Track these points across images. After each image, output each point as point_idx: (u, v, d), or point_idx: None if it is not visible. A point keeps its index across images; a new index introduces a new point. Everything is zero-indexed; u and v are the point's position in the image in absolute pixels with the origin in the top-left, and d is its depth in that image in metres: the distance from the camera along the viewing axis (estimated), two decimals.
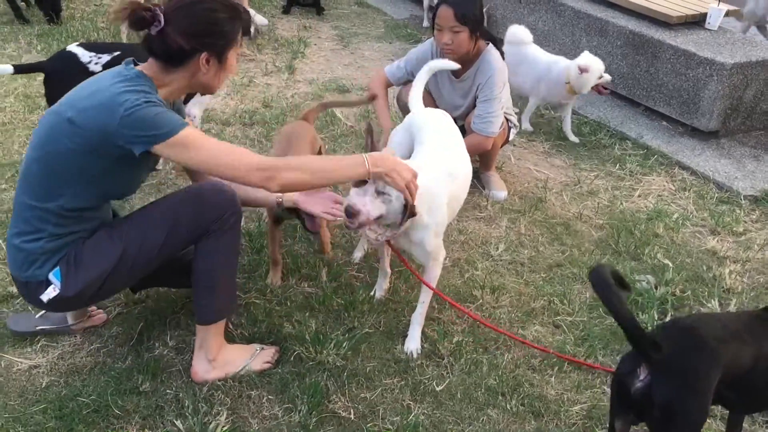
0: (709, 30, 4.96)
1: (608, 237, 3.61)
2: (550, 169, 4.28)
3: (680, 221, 3.79)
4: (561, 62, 4.49)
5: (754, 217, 3.93)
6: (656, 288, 3.21)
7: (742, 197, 4.06)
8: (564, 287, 3.18)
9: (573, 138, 4.62)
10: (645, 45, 4.86)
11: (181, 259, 2.40)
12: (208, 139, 2.16)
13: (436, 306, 2.93)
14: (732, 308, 3.12)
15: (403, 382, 2.55)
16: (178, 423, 2.29)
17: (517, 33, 4.66)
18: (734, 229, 3.77)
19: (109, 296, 2.53)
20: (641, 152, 4.51)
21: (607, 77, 4.35)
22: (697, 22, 5.01)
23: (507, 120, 3.89)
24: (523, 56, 4.62)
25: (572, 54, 5.03)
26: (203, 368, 2.44)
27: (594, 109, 5.04)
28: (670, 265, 3.39)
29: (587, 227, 3.70)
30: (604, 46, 5.13)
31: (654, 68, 4.82)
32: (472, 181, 4.00)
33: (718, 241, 3.66)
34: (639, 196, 4.05)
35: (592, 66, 4.30)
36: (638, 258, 3.46)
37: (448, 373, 2.62)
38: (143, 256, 2.25)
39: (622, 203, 3.95)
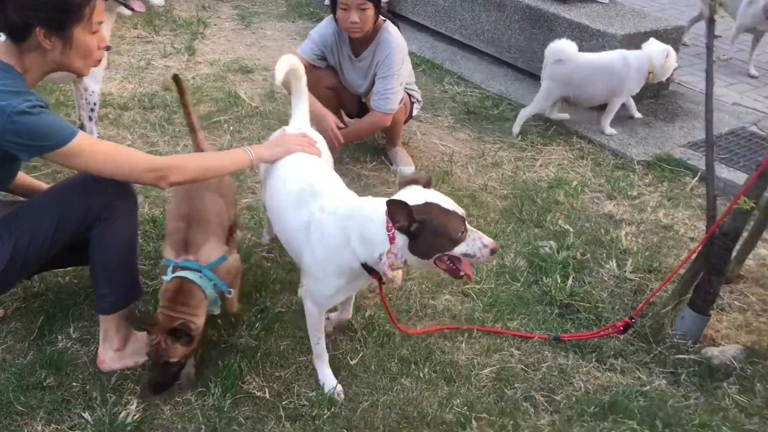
0: (601, 3, 5.14)
1: (512, 206, 3.72)
2: (455, 143, 4.36)
3: (579, 188, 3.95)
4: (632, 56, 4.37)
5: (647, 181, 4.13)
6: (558, 252, 3.33)
7: (635, 162, 4.26)
8: None
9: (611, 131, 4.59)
10: (541, 19, 5.00)
11: (78, 237, 2.31)
12: (99, 143, 2.19)
13: None
14: (628, 268, 3.28)
15: None
16: (86, 415, 2.23)
17: (565, 48, 4.31)
18: (629, 193, 3.96)
19: (6, 291, 2.41)
20: (541, 124, 4.65)
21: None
22: None
23: (409, 96, 3.93)
24: (582, 66, 4.37)
25: (472, 29, 5.14)
26: (110, 357, 2.38)
27: (495, 83, 5.16)
28: (571, 230, 3.53)
29: (492, 198, 3.80)
30: (503, 21, 5.25)
31: (550, 41, 4.96)
32: (380, 157, 4.09)
33: (614, 205, 3.83)
34: (540, 165, 4.19)
35: (673, 52, 4.39)
36: (541, 225, 3.58)
37: (361, 346, 2.65)
38: (35, 248, 2.17)
39: (524, 173, 4.07)
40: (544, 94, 4.44)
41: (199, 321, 2.28)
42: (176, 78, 2.74)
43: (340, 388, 2.43)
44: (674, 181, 4.13)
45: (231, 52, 5.36)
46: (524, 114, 4.50)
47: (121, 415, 2.23)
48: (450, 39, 5.76)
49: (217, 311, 2.40)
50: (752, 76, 5.77)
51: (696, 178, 4.10)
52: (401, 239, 2.09)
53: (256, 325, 2.64)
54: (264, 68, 5.06)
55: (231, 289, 2.43)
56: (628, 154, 4.34)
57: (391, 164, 4.00)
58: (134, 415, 2.23)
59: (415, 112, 4.07)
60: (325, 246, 2.23)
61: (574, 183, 3.99)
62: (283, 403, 2.36)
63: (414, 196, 2.12)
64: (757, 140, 4.62)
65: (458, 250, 2.10)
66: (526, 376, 2.60)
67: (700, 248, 2.81)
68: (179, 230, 2.38)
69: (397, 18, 3.76)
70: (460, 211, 2.13)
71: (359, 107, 3.97)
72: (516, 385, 2.54)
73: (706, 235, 2.76)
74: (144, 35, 5.50)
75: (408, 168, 3.94)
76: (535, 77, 5.20)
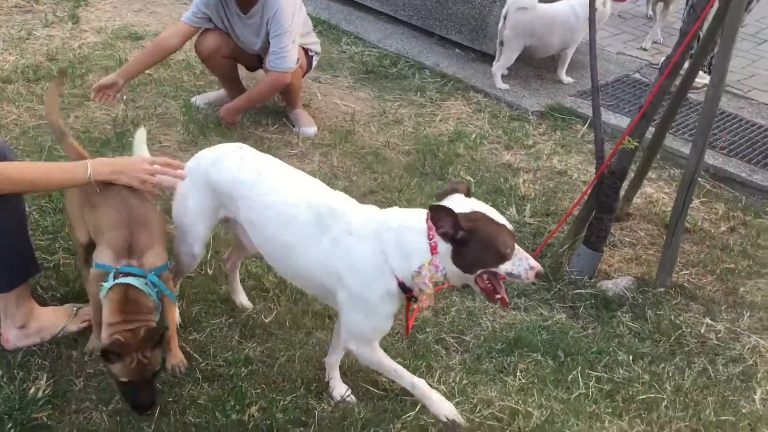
0: None
1: (415, 161, 3.80)
2: (356, 102, 4.39)
3: (478, 140, 4.07)
4: (578, 5, 4.47)
5: (541, 130, 4.30)
6: None
7: (530, 113, 4.43)
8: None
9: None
10: None
11: None
12: None
13: None
14: (527, 213, 3.43)
15: (231, 320, 2.57)
16: None
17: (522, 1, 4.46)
18: (525, 142, 4.11)
19: None
20: (439, 80, 4.74)
21: None
22: None
23: (306, 51, 3.90)
24: (542, 15, 4.50)
25: None
26: (14, 335, 2.30)
27: (392, 41, 5.19)
28: (472, 180, 3.65)
29: (395, 154, 3.86)
30: None
31: None
32: (282, 120, 4.07)
33: (512, 154, 3.98)
34: (440, 120, 4.28)
35: None
36: (443, 177, 3.68)
37: (275, 305, 2.67)
38: None
39: (425, 129, 4.15)
40: (510, 45, 4.55)
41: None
42: (61, 72, 2.61)
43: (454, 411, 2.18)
44: (566, 129, 4.32)
45: (118, 19, 5.14)
46: (496, 69, 4.65)
47: (31, 391, 2.17)
48: None
49: (156, 318, 2.18)
50: (648, 17, 6.12)
51: (586, 126, 4.30)
52: (444, 248, 1.89)
53: None
54: (155, 34, 4.89)
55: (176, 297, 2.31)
56: (523, 105, 4.50)
57: (293, 126, 3.99)
58: (45, 390, 2.18)
59: (314, 64, 4.06)
60: (362, 272, 1.98)
61: (473, 135, 4.10)
62: (201, 365, 2.36)
63: (458, 204, 1.93)
64: (641, 86, 4.87)
65: (503, 268, 1.92)
66: (436, 321, 2.70)
67: (591, 189, 2.98)
68: (121, 236, 2.14)
69: None
70: (509, 225, 1.95)
71: (261, 66, 3.93)
72: (427, 330, 2.64)
73: (596, 175, 2.93)
74: (23, 4, 5.19)
75: (310, 129, 3.94)
76: (430, 34, 5.29)
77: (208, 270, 2.80)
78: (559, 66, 4.79)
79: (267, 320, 2.59)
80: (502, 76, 4.69)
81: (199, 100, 4.06)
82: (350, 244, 1.99)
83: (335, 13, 5.55)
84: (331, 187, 2.18)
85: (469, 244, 1.88)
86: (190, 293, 2.66)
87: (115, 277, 2.08)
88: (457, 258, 1.90)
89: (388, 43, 5.17)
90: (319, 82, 4.52)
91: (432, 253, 1.90)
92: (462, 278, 1.96)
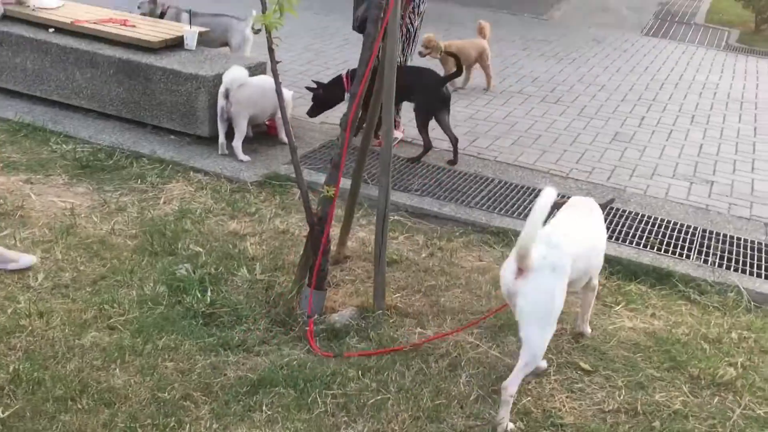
0: (189, 50, 5.60)
1: (143, 242, 3.92)
2: (75, 197, 4.39)
3: (203, 215, 4.30)
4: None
5: (261, 197, 4.66)
6: (194, 272, 3.64)
7: (249, 184, 4.77)
8: (112, 294, 3.40)
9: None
10: (136, 70, 5.27)
11: None
12: None
13: None
14: (258, 271, 3.72)
15: None
16: None
17: (241, 74, 4.99)
18: (248, 210, 4.44)
19: None
20: (158, 165, 4.91)
21: None
22: (177, 44, 5.61)
23: None
24: (257, 87, 5.10)
25: (70, 89, 5.19)
26: None
27: (105, 135, 5.26)
28: (202, 251, 3.87)
29: (122, 239, 3.95)
30: (99, 76, 5.39)
31: (150, 89, 5.27)
32: None
33: (237, 222, 4.27)
34: (164, 202, 4.44)
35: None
36: (174, 253, 3.84)
37: (11, 400, 2.63)
38: None
39: (150, 212, 4.29)
40: (239, 118, 5.03)
41: None
42: None
43: None
44: (284, 193, 4.73)
45: None
46: (237, 144, 5.07)
47: None
48: (49, 100, 5.70)
49: None
50: None
51: (297, 182, 4.74)
52: None
53: None
54: None
55: None
56: (242, 178, 4.84)
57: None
58: None
59: None
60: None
61: (198, 211, 4.33)
62: None
63: None
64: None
65: None
66: (182, 379, 2.85)
67: (307, 236, 3.37)
68: None
69: None
70: None
71: None
72: (175, 388, 2.78)
73: (308, 220, 3.33)
74: None
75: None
76: (143, 125, 5.45)
77: None
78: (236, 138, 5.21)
79: (5, 415, 2.54)
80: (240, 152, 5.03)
81: None
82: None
83: (39, 115, 5.49)
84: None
85: None
86: None
87: None
88: None
89: (101, 138, 5.23)
90: (31, 182, 4.46)
91: None
92: None
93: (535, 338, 2.73)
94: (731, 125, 6.76)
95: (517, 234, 4.24)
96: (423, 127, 5.30)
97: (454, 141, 5.34)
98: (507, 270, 2.79)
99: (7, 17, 5.76)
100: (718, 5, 13.46)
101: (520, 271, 2.70)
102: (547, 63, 8.51)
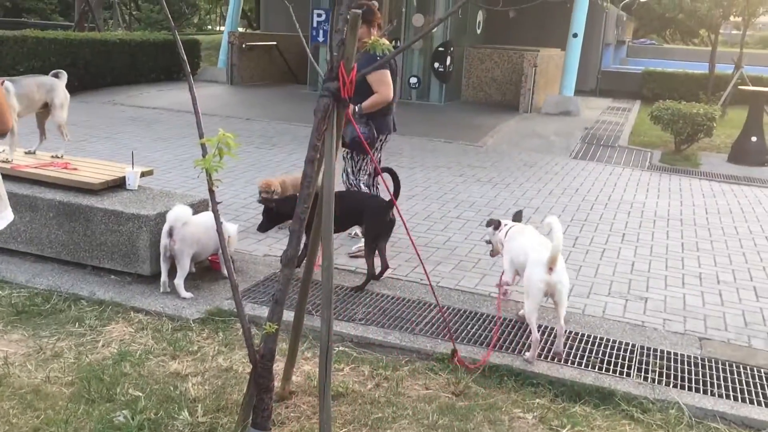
0: (130, 190, 5.67)
1: (80, 389, 3.80)
2: (8, 345, 4.27)
3: (143, 356, 4.22)
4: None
5: (204, 335, 4.61)
6: (133, 419, 3.53)
7: (191, 321, 4.73)
8: None
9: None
10: (77, 212, 5.29)
11: None
12: None
13: None
14: (200, 413, 3.62)
15: None
16: None
17: (184, 213, 5.05)
18: (190, 349, 4.37)
19: None
20: (97, 307, 4.84)
21: None
22: (119, 185, 5.68)
23: None
24: (201, 224, 5.15)
25: (8, 233, 5.14)
26: None
27: (43, 279, 5.19)
28: (141, 395, 3.76)
29: (58, 387, 3.82)
30: (38, 219, 5.38)
31: (90, 231, 5.27)
32: None
33: (178, 362, 4.19)
34: (103, 345, 4.35)
35: None
36: (112, 399, 3.73)
37: None
38: None
39: (88, 356, 4.19)
40: (182, 256, 5.03)
41: None
42: None
43: None
44: (228, 329, 4.69)
45: None
46: (179, 281, 5.06)
47: None
48: None
49: None
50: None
51: (239, 319, 4.71)
52: None
53: None
54: None
55: None
56: (184, 315, 4.80)
57: None
58: None
59: None
60: None
61: (138, 353, 4.25)
62: None
63: None
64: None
65: None
66: None
67: (251, 374, 3.33)
68: None
69: None
70: None
71: None
72: None
73: (250, 358, 3.30)
74: None
75: None
76: (82, 266, 5.40)
77: None
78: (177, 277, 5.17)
79: None
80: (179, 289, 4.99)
81: None
82: None
83: None
84: None
85: None
86: None
87: None
88: None
89: (38, 281, 5.15)
90: None
91: None
92: None
93: (566, 304, 4.44)
94: (660, 242, 7.07)
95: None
96: (371, 254, 5.43)
97: (385, 267, 5.59)
98: (541, 271, 4.27)
99: None
100: (639, 128, 14.38)
101: (550, 269, 4.23)
102: (483, 188, 8.86)
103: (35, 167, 5.74)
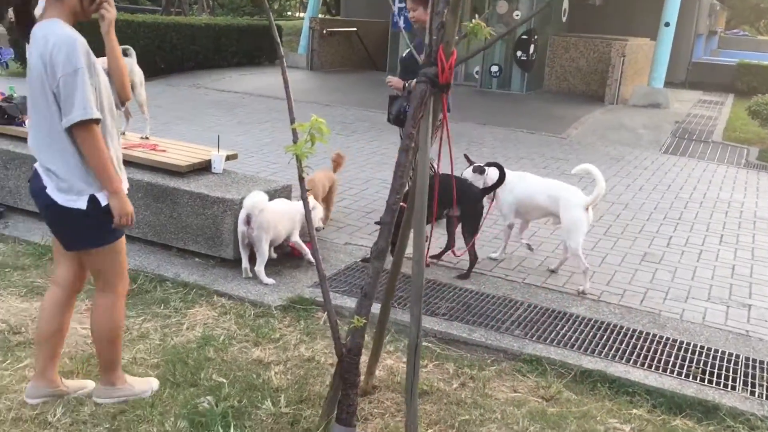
0: (216, 174, 5.67)
1: (165, 372, 3.79)
2: None
3: (226, 342, 4.19)
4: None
5: (286, 322, 4.55)
6: (217, 405, 3.49)
7: (273, 308, 4.68)
8: (133, 429, 3.25)
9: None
10: (164, 193, 5.32)
11: None
12: None
13: None
14: (282, 403, 3.56)
15: None
16: None
17: (261, 199, 4.97)
18: (272, 336, 4.32)
19: None
20: (182, 289, 4.86)
21: None
22: (204, 168, 5.69)
23: None
24: (277, 212, 5.16)
25: None
26: None
27: (130, 259, 5.19)
28: (225, 381, 3.72)
29: (144, 368, 3.83)
30: None
31: (176, 213, 5.30)
32: None
33: (261, 350, 4.14)
34: (187, 328, 4.35)
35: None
36: (196, 383, 3.71)
37: None
38: None
39: (172, 339, 4.19)
40: (261, 242, 4.99)
41: None
42: None
43: None
44: (309, 318, 4.62)
45: None
46: (259, 268, 5.04)
47: None
48: None
49: None
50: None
51: (326, 312, 4.64)
52: None
53: None
54: None
55: None
56: (266, 302, 4.76)
57: None
58: None
59: None
60: None
61: (222, 338, 4.22)
62: None
63: None
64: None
65: None
66: None
67: (336, 368, 3.23)
68: None
69: None
70: None
71: None
72: None
73: (337, 352, 3.20)
74: None
75: None
76: (168, 247, 5.44)
77: None
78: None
79: None
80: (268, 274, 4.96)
81: None
82: None
83: None
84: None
85: None
86: None
87: None
88: None
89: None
90: None
91: None
92: None
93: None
94: (762, 245, 6.64)
95: (551, 362, 4.11)
96: (471, 238, 5.40)
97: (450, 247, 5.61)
98: (583, 210, 5.11)
99: None
100: (734, 123, 13.65)
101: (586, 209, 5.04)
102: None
103: (125, 147, 5.80)
